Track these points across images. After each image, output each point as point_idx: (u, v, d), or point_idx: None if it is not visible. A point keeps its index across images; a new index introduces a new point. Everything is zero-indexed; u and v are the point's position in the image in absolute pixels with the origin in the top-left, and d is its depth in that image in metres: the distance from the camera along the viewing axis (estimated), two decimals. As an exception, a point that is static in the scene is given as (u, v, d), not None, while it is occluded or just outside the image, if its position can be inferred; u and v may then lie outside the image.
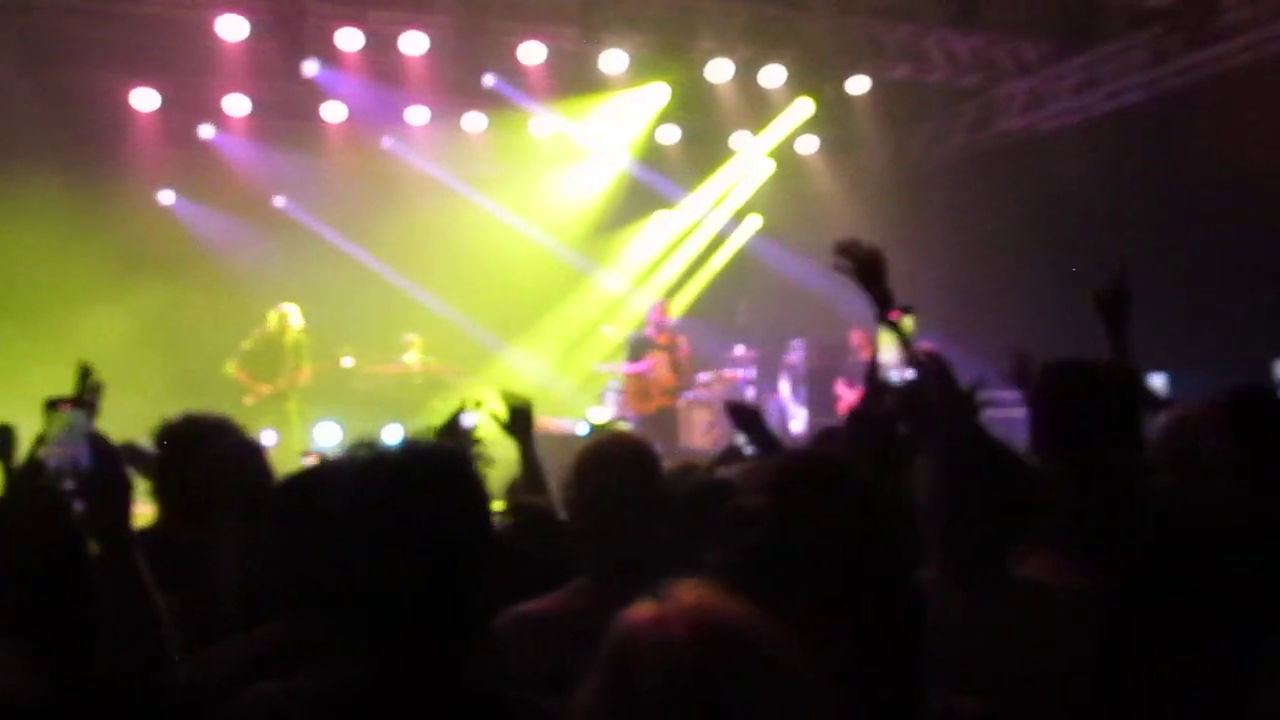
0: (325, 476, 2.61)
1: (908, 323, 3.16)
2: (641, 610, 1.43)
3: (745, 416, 4.50)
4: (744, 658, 1.36)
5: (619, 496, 2.81)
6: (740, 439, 5.48)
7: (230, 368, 12.73)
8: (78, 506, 2.37)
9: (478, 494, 1.89)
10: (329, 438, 12.91)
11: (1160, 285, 12.37)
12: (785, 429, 14.74)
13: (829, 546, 1.76)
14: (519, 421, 4.49)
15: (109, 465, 2.34)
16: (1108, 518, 3.10)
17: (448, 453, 1.92)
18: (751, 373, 15.25)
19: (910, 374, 3.12)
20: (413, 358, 14.11)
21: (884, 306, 3.36)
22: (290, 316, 13.10)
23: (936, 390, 3.13)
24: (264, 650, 2.39)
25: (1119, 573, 2.93)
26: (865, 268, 3.42)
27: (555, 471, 4.91)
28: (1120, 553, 2.99)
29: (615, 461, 2.89)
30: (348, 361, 13.49)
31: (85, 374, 2.67)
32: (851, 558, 1.77)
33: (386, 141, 16.09)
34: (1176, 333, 11.52)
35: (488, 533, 1.89)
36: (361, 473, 1.88)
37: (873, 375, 3.18)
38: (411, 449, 1.90)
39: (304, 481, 2.65)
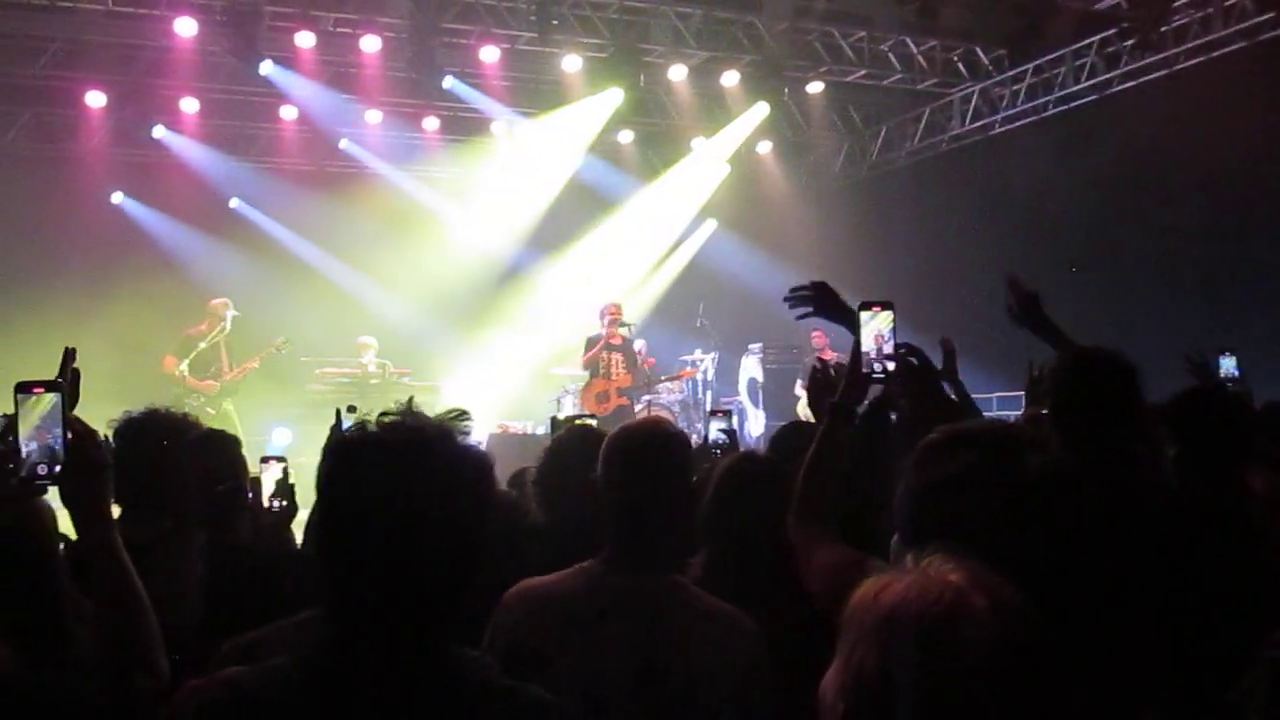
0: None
1: (886, 317, 3.16)
2: (915, 582, 1.45)
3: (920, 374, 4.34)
4: (1033, 632, 1.43)
5: (657, 482, 2.75)
6: (715, 435, 5.44)
7: (178, 368, 12.48)
8: (50, 491, 2.31)
9: (448, 474, 1.80)
10: (283, 442, 12.73)
11: (1112, 281, 12.66)
12: (743, 431, 14.79)
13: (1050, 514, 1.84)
14: None
15: (86, 449, 2.27)
16: (1113, 505, 3.16)
17: (425, 434, 1.82)
18: (709, 374, 15.27)
19: (890, 365, 3.11)
20: (368, 359, 14.00)
21: None
22: (223, 310, 12.86)
23: (916, 379, 3.14)
24: (302, 633, 2.35)
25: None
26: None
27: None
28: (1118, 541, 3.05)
29: (655, 447, 2.82)
30: (283, 342, 13.23)
31: (68, 356, 2.51)
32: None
33: (343, 143, 16.03)
34: (1128, 322, 11.74)
35: (461, 514, 1.80)
36: (333, 453, 1.82)
37: (854, 367, 3.11)
38: (372, 435, 1.81)
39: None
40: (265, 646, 2.37)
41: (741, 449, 5.68)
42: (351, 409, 4.17)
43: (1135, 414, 3.45)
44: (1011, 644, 1.40)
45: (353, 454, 1.81)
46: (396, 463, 1.77)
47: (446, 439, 1.82)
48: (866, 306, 3.15)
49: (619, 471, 2.78)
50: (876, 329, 3.13)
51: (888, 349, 3.11)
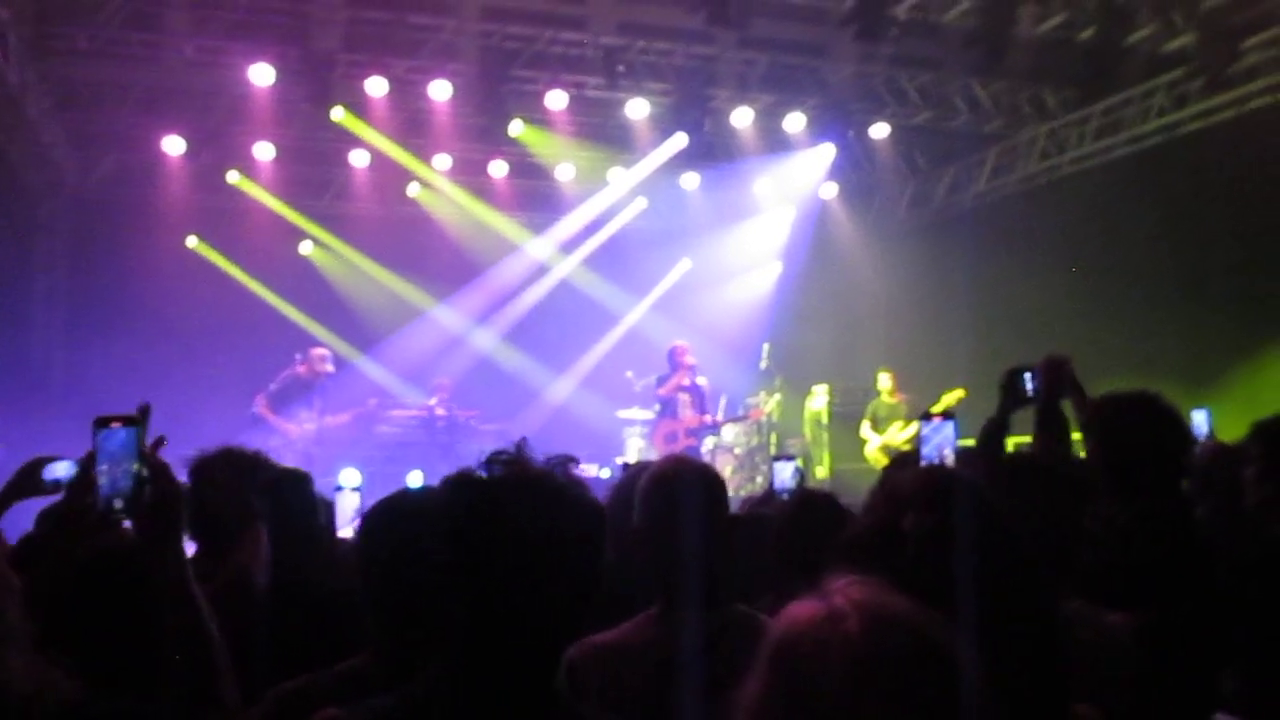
0: (414, 504, 2.61)
1: (948, 427, 3.15)
2: (805, 608, 1.41)
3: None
4: (917, 648, 1.35)
5: (694, 521, 2.72)
6: (782, 481, 5.43)
7: (258, 407, 12.65)
8: (127, 525, 2.34)
9: (574, 520, 1.85)
10: (351, 482, 12.75)
11: (1186, 325, 12.48)
12: (808, 474, 14.70)
13: (975, 564, 1.76)
14: None
15: (160, 483, 2.29)
16: (1159, 553, 3.11)
17: (545, 480, 1.87)
18: (774, 417, 15.18)
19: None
20: (439, 401, 14.08)
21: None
22: (324, 360, 13.02)
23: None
24: (349, 681, 2.38)
25: (1164, 607, 2.95)
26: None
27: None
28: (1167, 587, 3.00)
29: (689, 486, 2.80)
30: (375, 404, 13.46)
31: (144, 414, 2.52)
32: (995, 574, 1.78)
33: (412, 187, 16.26)
34: (1207, 368, 11.60)
35: (580, 559, 1.85)
36: (462, 498, 1.85)
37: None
38: (506, 477, 1.85)
39: (390, 510, 2.62)
40: (314, 694, 2.38)
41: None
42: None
43: (1170, 453, 3.41)
44: (882, 665, 1.33)
45: (481, 495, 1.84)
46: (525, 505, 1.81)
47: (572, 485, 1.87)
48: (928, 417, 3.21)
49: (663, 512, 2.77)
50: (936, 439, 3.17)
51: (948, 458, 3.14)
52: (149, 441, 2.35)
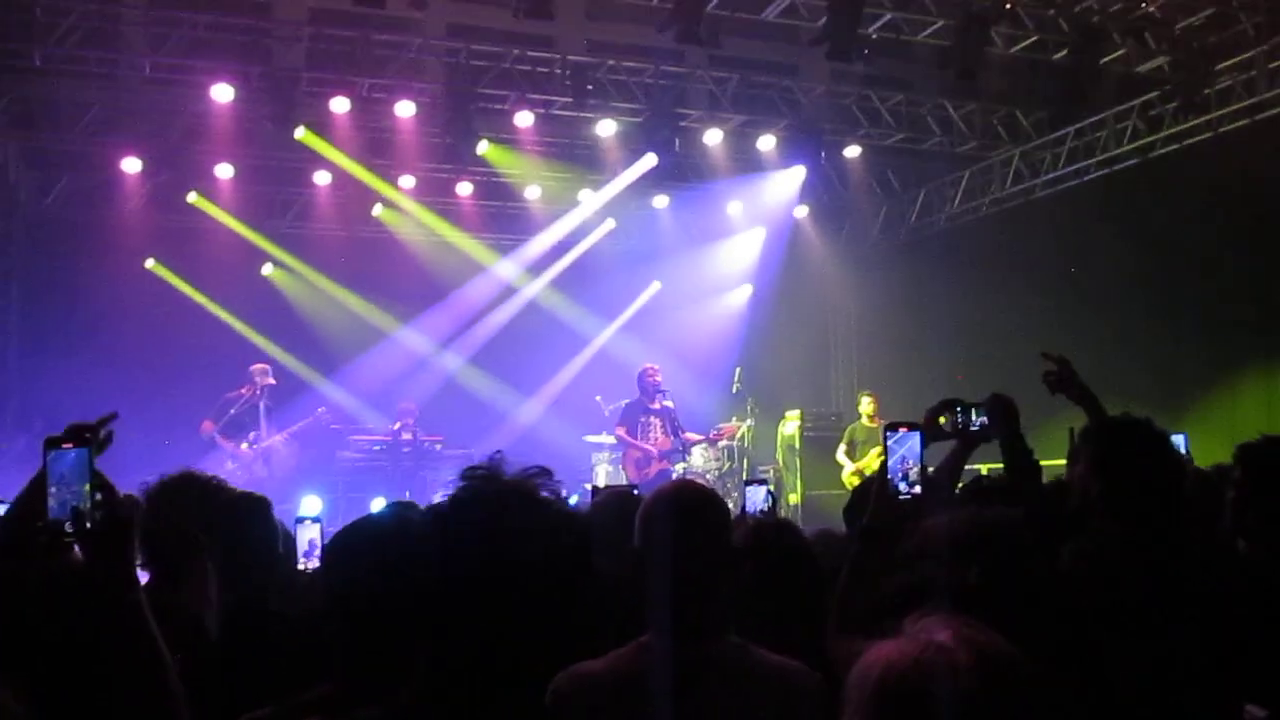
0: (378, 529, 2.53)
1: (914, 439, 3.11)
2: (902, 646, 1.46)
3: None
4: (1029, 682, 1.43)
5: (664, 547, 2.60)
6: (754, 504, 5.31)
7: (210, 431, 12.43)
8: (76, 549, 2.30)
9: (551, 531, 1.84)
10: (312, 510, 12.50)
11: (1161, 348, 12.43)
12: (780, 499, 14.50)
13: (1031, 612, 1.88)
14: None
15: (111, 507, 2.26)
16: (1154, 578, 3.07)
17: (519, 491, 1.89)
18: (746, 441, 15.00)
19: (916, 489, 3.06)
20: (404, 425, 13.82)
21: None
22: (264, 374, 12.83)
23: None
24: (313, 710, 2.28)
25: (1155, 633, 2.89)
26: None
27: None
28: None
29: (663, 509, 2.68)
30: (324, 413, 13.21)
31: (107, 419, 2.58)
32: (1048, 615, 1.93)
33: (377, 208, 16.02)
34: (1183, 391, 11.55)
35: (559, 571, 1.82)
36: (456, 518, 1.85)
37: (881, 488, 3.06)
38: (480, 490, 1.86)
39: (355, 537, 2.53)
40: None
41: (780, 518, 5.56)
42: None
43: (1170, 478, 3.37)
44: (999, 698, 1.40)
45: (464, 511, 1.84)
46: (507, 517, 1.81)
47: (552, 499, 1.88)
48: (893, 428, 3.15)
49: (664, 536, 2.64)
50: (901, 451, 3.11)
51: (914, 472, 3.10)
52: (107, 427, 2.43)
